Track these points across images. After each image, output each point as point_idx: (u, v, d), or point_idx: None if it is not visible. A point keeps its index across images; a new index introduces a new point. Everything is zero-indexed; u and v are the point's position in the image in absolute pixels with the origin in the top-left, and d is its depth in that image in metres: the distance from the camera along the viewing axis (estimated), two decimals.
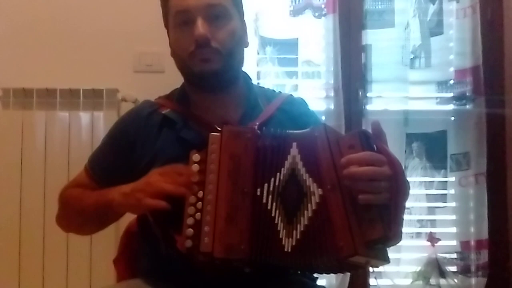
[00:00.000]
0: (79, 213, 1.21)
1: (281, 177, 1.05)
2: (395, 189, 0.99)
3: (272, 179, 1.05)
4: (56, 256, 1.96)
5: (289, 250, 1.02)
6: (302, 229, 1.02)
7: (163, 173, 1.06)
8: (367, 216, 0.97)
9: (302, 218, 1.02)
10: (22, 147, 2.00)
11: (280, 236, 1.03)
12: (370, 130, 1.05)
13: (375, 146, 1.02)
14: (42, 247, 1.96)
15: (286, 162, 1.06)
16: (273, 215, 1.04)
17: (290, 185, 1.05)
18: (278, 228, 1.03)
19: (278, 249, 1.02)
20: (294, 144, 1.07)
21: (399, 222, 1.00)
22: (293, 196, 1.04)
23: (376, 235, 0.96)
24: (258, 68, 2.18)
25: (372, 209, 0.98)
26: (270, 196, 1.04)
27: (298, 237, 1.02)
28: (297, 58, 2.20)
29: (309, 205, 1.03)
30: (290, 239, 1.02)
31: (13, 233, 1.96)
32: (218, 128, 1.09)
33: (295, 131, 1.11)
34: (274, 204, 1.04)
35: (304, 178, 1.04)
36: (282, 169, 1.05)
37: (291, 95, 1.35)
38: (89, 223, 1.24)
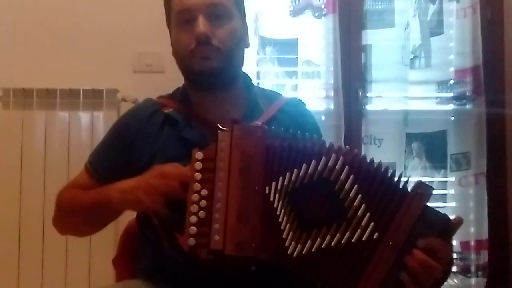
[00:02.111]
0: (76, 214, 1.21)
1: (293, 178, 1.03)
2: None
3: (281, 178, 1.04)
4: (55, 256, 1.96)
5: (294, 255, 1.01)
6: (323, 246, 1.00)
7: (164, 172, 1.05)
8: None
9: (328, 236, 1.00)
10: (22, 147, 2.00)
11: (284, 236, 1.02)
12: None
13: (446, 238, 1.02)
14: (41, 247, 1.96)
15: (305, 165, 1.03)
16: (278, 213, 1.03)
17: (315, 192, 1.03)
18: (282, 227, 1.02)
19: (279, 249, 1.01)
20: (334, 155, 1.03)
21: None
22: (318, 205, 1.02)
23: None
24: (258, 68, 2.19)
25: None
26: (277, 195, 1.03)
27: (312, 249, 1.00)
28: (297, 58, 2.20)
29: (347, 233, 1.00)
30: (299, 245, 1.01)
31: (12, 233, 1.97)
32: (221, 127, 1.08)
33: (319, 139, 1.10)
34: (280, 202, 1.03)
35: (355, 204, 1.01)
36: (295, 170, 1.03)
37: (294, 97, 1.35)
38: (86, 223, 1.23)
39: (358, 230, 1.00)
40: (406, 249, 0.99)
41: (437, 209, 1.04)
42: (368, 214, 1.01)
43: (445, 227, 1.01)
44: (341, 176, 1.02)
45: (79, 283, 1.95)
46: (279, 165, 1.04)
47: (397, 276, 0.98)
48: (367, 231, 1.00)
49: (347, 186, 1.02)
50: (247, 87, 1.28)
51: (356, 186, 1.02)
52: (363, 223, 1.00)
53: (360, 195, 1.01)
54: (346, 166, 1.02)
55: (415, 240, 0.99)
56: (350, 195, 1.01)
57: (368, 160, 1.05)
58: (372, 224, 1.00)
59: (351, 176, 1.02)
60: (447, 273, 1.03)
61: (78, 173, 1.30)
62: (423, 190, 1.02)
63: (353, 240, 1.00)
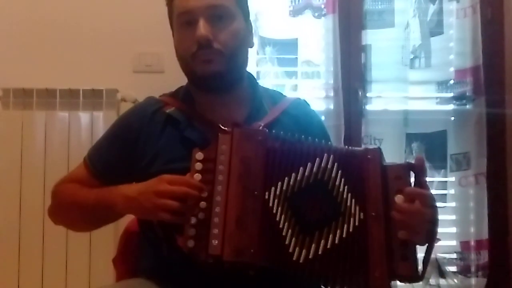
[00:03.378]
0: (76, 211, 1.20)
1: (292, 183, 1.04)
2: (432, 232, 1.02)
3: (280, 183, 1.04)
4: (55, 256, 1.96)
5: (301, 261, 1.01)
6: (328, 246, 1.01)
7: (172, 181, 1.03)
8: (401, 252, 1.00)
9: (331, 235, 1.02)
10: (22, 147, 2.00)
11: (287, 243, 1.02)
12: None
13: (419, 182, 1.03)
14: (41, 246, 1.96)
15: (302, 168, 1.04)
16: (277, 219, 1.03)
17: (312, 195, 1.04)
18: (284, 234, 1.02)
19: (283, 255, 1.02)
20: (324, 155, 1.05)
21: (427, 264, 1.03)
22: (317, 207, 1.04)
23: (406, 272, 1.00)
24: (258, 68, 2.18)
25: (407, 246, 1.01)
26: (276, 200, 1.03)
27: (319, 252, 1.01)
28: (297, 58, 2.20)
29: (345, 225, 1.02)
30: (304, 250, 1.01)
31: (12, 233, 1.96)
32: (223, 128, 1.08)
33: (315, 140, 1.09)
34: (279, 208, 1.03)
35: (344, 196, 1.03)
36: (293, 174, 1.04)
37: (298, 98, 1.34)
38: (85, 221, 1.23)
39: (351, 219, 1.02)
40: (389, 211, 1.01)
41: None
42: (353, 200, 1.03)
43: (413, 171, 1.04)
44: (332, 174, 1.04)
45: (79, 283, 1.95)
46: (278, 170, 1.05)
47: (396, 237, 1.00)
48: (357, 217, 1.03)
49: (337, 182, 1.04)
50: (252, 87, 1.27)
51: (343, 179, 1.04)
52: (353, 211, 1.03)
53: (346, 187, 1.04)
54: (335, 163, 1.05)
55: (391, 198, 1.02)
56: (340, 190, 1.04)
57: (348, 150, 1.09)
58: (357, 207, 1.03)
59: (339, 172, 1.04)
60: (435, 212, 1.04)
61: (76, 167, 1.28)
62: (371, 153, 1.06)
63: (350, 230, 1.02)
